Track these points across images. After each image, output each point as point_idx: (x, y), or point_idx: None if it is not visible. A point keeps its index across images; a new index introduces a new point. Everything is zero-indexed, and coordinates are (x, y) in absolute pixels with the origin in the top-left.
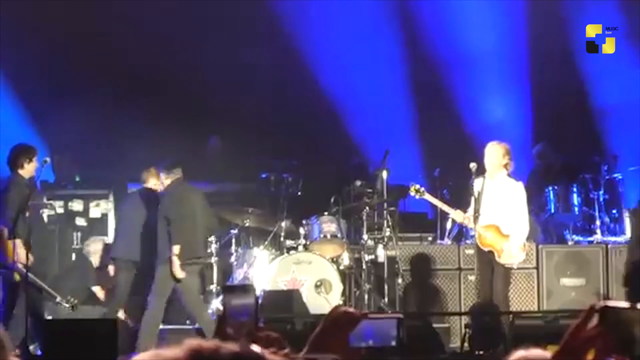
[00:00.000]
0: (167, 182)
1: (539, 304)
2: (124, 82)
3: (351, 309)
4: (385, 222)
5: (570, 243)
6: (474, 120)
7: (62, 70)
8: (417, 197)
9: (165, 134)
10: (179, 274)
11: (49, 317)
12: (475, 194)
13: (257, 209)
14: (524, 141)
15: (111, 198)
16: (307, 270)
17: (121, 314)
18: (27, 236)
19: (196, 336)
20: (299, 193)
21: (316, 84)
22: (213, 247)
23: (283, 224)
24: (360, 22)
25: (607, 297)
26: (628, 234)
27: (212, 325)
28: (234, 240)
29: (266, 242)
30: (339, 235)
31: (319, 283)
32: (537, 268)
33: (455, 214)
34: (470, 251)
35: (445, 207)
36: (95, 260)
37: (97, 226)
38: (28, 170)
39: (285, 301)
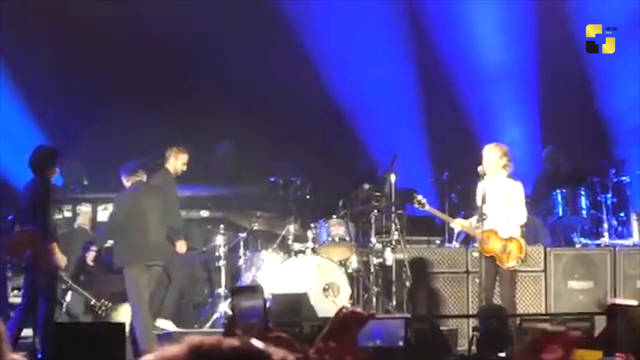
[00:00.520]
0: (128, 184)
1: (547, 307)
2: (135, 85)
3: (359, 309)
4: (393, 225)
5: (577, 246)
6: (483, 124)
7: (71, 71)
8: (420, 208)
9: (176, 137)
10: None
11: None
12: (479, 198)
13: (265, 213)
14: (533, 145)
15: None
16: (315, 274)
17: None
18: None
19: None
20: (308, 196)
21: (325, 88)
22: (221, 251)
23: (291, 227)
24: (370, 26)
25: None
26: (636, 237)
27: (148, 334)
28: (242, 244)
29: (274, 246)
30: (347, 238)
31: (327, 286)
32: (544, 271)
33: (455, 223)
34: (477, 254)
35: (445, 217)
36: (85, 221)
37: None
38: (52, 172)
39: (294, 305)
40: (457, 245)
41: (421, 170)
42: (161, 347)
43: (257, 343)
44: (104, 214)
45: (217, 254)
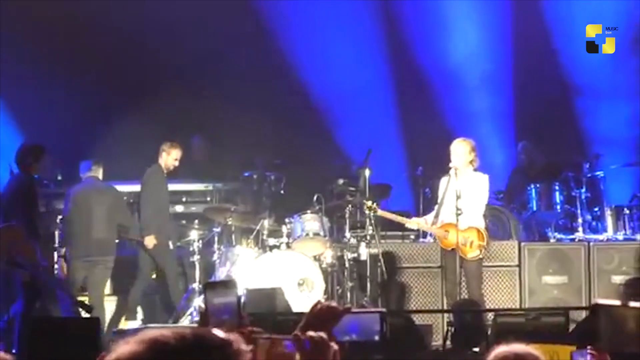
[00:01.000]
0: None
1: (521, 302)
2: (109, 79)
3: (334, 304)
4: (367, 220)
5: (552, 241)
6: (457, 119)
7: (45, 64)
8: (372, 214)
9: (149, 132)
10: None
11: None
12: (440, 194)
13: (239, 207)
14: (507, 140)
15: None
16: (289, 269)
17: None
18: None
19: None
20: (282, 191)
21: (299, 83)
22: (195, 246)
23: (266, 222)
24: (346, 23)
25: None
26: (610, 231)
27: None
28: (216, 239)
29: (249, 241)
30: (321, 233)
31: (301, 281)
32: (519, 266)
33: (411, 223)
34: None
35: (399, 219)
36: None
37: None
38: (35, 169)
39: (268, 299)
40: (431, 240)
41: (395, 165)
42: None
43: (218, 332)
44: None
45: (191, 249)
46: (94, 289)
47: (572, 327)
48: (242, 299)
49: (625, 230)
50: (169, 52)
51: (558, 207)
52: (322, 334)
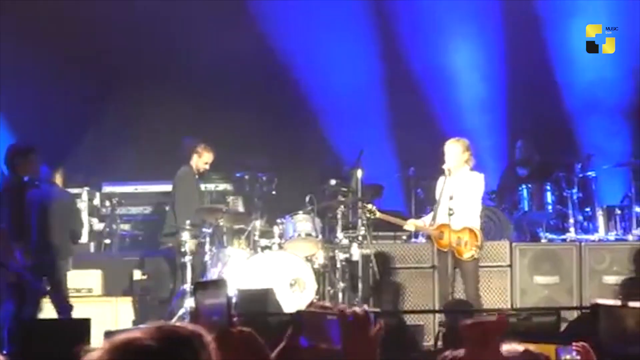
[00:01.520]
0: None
1: (512, 302)
2: (100, 80)
3: (327, 304)
4: (359, 220)
5: (543, 241)
6: (449, 120)
7: (35, 64)
8: (372, 217)
9: (141, 133)
10: None
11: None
12: (437, 195)
13: (231, 208)
14: (499, 141)
15: (85, 197)
16: (281, 269)
17: None
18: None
19: None
20: (274, 192)
21: (291, 84)
22: (187, 246)
23: (257, 223)
24: (338, 23)
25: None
26: (601, 232)
27: None
28: (208, 239)
29: (240, 241)
30: (313, 234)
31: (293, 282)
32: (510, 266)
33: (409, 225)
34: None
35: (398, 221)
36: None
37: None
38: (23, 170)
39: (260, 300)
40: (424, 240)
41: (387, 166)
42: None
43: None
44: None
45: (182, 249)
46: (55, 291)
47: (563, 327)
48: (234, 300)
49: (616, 230)
50: (161, 52)
51: (549, 207)
52: (366, 308)
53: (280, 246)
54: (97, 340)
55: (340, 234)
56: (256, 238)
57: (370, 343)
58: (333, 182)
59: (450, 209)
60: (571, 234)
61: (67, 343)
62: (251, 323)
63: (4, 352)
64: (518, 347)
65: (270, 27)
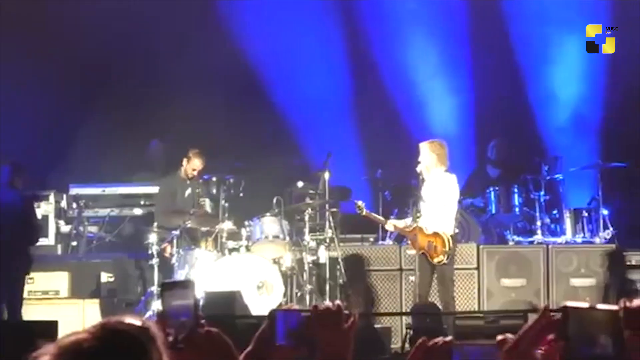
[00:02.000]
0: None
1: (480, 304)
2: (67, 83)
3: (296, 306)
4: (327, 223)
5: (511, 243)
6: (417, 122)
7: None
8: (359, 213)
9: (107, 135)
10: None
11: None
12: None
13: (199, 210)
14: (467, 143)
15: (52, 199)
16: (248, 272)
17: None
18: None
19: None
20: (241, 194)
21: (259, 86)
22: (154, 248)
23: (225, 225)
24: (306, 25)
25: (547, 298)
26: (568, 234)
27: None
28: (175, 242)
29: (208, 243)
30: (280, 236)
31: (260, 284)
32: (477, 268)
33: (389, 225)
34: (412, 252)
35: (380, 220)
36: None
37: None
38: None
39: (227, 302)
40: (391, 242)
41: (355, 168)
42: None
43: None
44: (36, 212)
45: (150, 251)
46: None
47: None
48: (200, 301)
49: (584, 233)
50: (127, 54)
51: (517, 209)
52: (339, 302)
53: (248, 248)
54: None
55: (307, 236)
56: (223, 240)
57: (345, 337)
58: (300, 184)
59: (418, 212)
60: (538, 237)
61: (33, 346)
62: (218, 325)
63: None
64: None
65: (239, 30)
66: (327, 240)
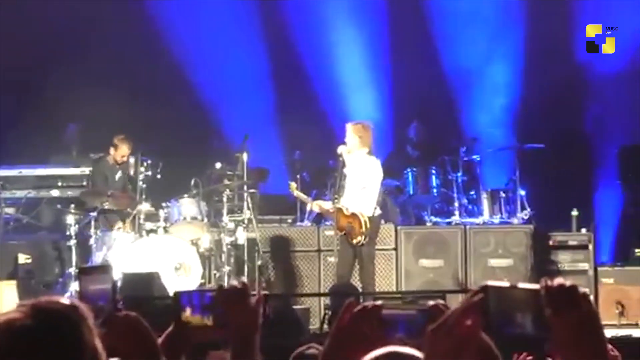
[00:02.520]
0: None
1: (398, 285)
2: None
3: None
4: (245, 204)
5: (428, 224)
6: (335, 104)
7: None
8: (291, 192)
9: (26, 117)
10: None
11: None
12: (338, 177)
13: (116, 192)
14: (385, 125)
15: None
16: (166, 253)
17: None
18: None
19: None
20: (159, 175)
21: (178, 68)
22: (72, 230)
23: (142, 206)
24: (224, 7)
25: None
26: (486, 215)
27: None
28: (93, 223)
29: (126, 225)
30: (198, 217)
31: (178, 265)
32: (395, 249)
33: (314, 206)
34: (330, 232)
35: (307, 200)
36: None
37: None
38: None
39: (145, 283)
40: (309, 224)
41: (273, 149)
42: None
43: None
44: None
45: (67, 233)
46: None
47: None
48: (119, 284)
49: (501, 213)
50: (50, 38)
51: (435, 190)
52: (244, 280)
53: (166, 230)
54: None
55: (225, 218)
56: (141, 221)
57: (251, 314)
58: (218, 165)
59: (336, 194)
60: (456, 218)
61: None
62: (136, 307)
63: None
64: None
65: (157, 12)
66: (246, 222)
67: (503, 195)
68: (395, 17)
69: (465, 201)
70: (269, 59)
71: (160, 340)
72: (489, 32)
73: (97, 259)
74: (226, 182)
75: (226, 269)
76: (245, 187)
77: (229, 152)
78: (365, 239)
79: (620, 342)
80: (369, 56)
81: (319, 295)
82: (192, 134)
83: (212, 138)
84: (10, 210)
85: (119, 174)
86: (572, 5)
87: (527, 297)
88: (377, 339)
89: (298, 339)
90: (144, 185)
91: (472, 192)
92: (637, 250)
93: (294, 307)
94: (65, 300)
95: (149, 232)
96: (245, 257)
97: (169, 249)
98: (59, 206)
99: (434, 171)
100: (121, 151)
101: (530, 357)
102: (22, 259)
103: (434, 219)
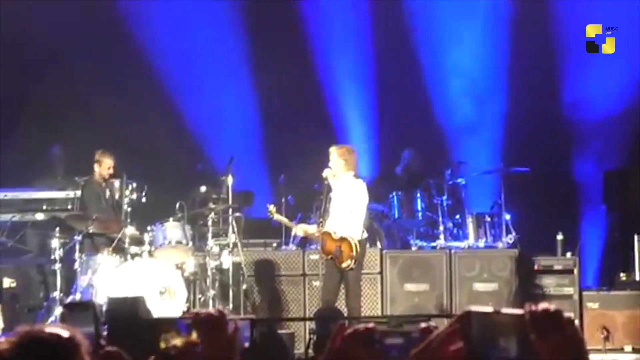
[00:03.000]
0: None
1: (383, 309)
2: None
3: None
4: (230, 228)
5: (414, 248)
6: (321, 127)
7: None
8: (271, 217)
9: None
10: None
11: None
12: (324, 200)
13: (101, 215)
14: (371, 148)
15: None
16: (151, 277)
17: None
18: None
19: None
20: (144, 199)
21: (162, 90)
22: (57, 254)
23: (127, 230)
24: (209, 29)
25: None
26: (471, 239)
27: None
28: (77, 247)
29: (110, 249)
30: (183, 241)
31: (163, 290)
32: (380, 273)
33: (298, 230)
34: (315, 257)
35: (290, 225)
36: None
37: None
38: None
39: (130, 308)
40: (294, 247)
41: (258, 173)
42: None
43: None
44: None
45: (52, 257)
46: None
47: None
48: (104, 307)
49: (486, 237)
50: (29, 55)
51: (420, 214)
52: (221, 309)
53: (150, 254)
54: None
55: (210, 242)
56: (126, 245)
57: (228, 343)
58: (203, 189)
59: (321, 218)
60: (441, 241)
61: None
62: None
63: None
64: None
65: (143, 34)
66: (231, 245)
67: (488, 219)
68: (382, 42)
69: (450, 225)
70: (254, 82)
71: None
72: (474, 54)
73: (82, 283)
74: (211, 205)
75: (211, 293)
76: (230, 211)
77: (214, 176)
78: (354, 262)
79: None
80: (355, 79)
81: (304, 319)
82: (177, 157)
83: (197, 161)
84: None
85: (107, 193)
86: (572, 6)
87: (510, 322)
88: None
89: None
90: (129, 209)
91: (457, 216)
92: (622, 274)
93: (279, 331)
94: (58, 330)
95: (133, 256)
96: (230, 281)
97: (153, 273)
98: (44, 230)
99: (419, 195)
100: (105, 164)
101: None
102: (7, 283)
103: (419, 242)
